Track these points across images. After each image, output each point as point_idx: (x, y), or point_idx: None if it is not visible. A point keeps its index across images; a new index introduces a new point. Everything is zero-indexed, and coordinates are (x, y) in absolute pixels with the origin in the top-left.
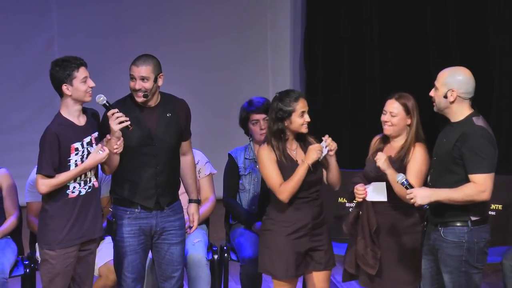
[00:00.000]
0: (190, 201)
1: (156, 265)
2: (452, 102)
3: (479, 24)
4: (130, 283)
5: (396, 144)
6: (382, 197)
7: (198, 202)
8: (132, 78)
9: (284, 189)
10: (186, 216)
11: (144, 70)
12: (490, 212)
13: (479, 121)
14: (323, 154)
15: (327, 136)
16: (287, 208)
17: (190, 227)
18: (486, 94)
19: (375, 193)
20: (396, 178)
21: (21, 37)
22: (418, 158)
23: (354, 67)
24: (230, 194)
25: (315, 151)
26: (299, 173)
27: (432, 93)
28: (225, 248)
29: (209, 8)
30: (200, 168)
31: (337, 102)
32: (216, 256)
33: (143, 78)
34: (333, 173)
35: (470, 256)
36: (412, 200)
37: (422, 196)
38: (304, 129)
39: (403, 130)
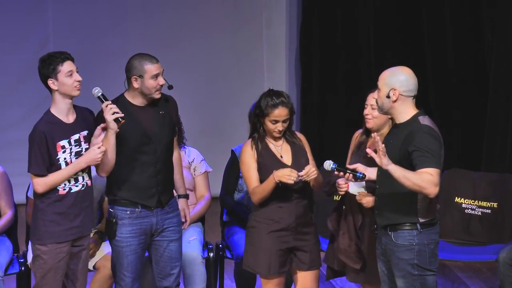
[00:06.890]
0: (179, 196)
1: (154, 263)
2: (395, 101)
3: (474, 24)
4: (129, 282)
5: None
6: (362, 188)
7: (187, 196)
8: (158, 75)
9: (255, 193)
10: None
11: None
12: (485, 210)
13: (425, 120)
14: (296, 180)
15: (307, 169)
16: (270, 206)
17: (183, 222)
18: (481, 93)
19: (356, 185)
20: (324, 166)
21: (17, 35)
22: None
23: (350, 66)
24: (228, 192)
25: (285, 177)
26: (267, 187)
27: (374, 95)
28: (220, 246)
29: (204, 7)
30: (195, 166)
31: (333, 100)
32: (211, 254)
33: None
34: (313, 185)
35: (421, 259)
36: (363, 174)
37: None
38: (275, 135)
39: (384, 124)
